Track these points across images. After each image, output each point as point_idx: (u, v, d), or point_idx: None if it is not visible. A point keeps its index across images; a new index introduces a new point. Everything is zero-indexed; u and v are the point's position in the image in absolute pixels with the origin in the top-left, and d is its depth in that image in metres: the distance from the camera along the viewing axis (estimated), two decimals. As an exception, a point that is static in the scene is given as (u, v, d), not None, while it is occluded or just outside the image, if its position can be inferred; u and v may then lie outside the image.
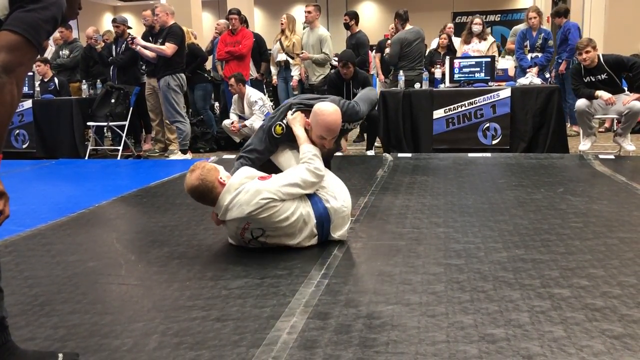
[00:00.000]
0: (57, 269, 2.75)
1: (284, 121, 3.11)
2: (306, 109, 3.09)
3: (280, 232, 2.83)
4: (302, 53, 7.03)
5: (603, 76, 5.71)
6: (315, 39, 7.04)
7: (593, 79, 5.75)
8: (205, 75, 7.65)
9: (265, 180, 2.82)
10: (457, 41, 8.66)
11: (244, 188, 2.76)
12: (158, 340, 1.96)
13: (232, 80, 6.68)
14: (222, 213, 2.80)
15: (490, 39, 7.48)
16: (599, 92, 5.61)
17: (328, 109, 2.98)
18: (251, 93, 6.82)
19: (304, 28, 8.16)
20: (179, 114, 6.57)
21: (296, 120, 3.07)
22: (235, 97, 6.96)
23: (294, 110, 3.11)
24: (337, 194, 2.97)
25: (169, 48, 6.40)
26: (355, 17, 7.49)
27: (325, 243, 2.96)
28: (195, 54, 7.32)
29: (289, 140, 3.15)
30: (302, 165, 2.88)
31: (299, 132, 3.04)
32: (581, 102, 5.74)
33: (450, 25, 8.85)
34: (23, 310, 2.26)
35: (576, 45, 5.89)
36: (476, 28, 7.36)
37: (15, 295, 2.40)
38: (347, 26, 7.53)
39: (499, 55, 7.89)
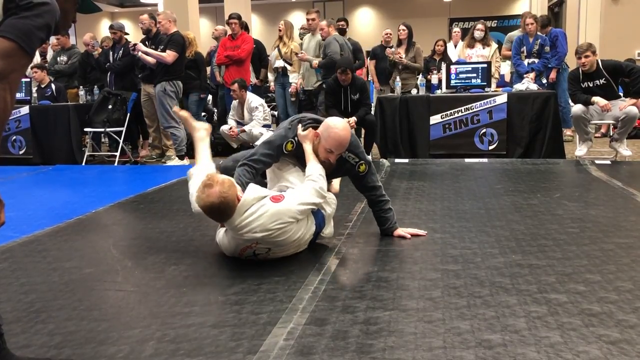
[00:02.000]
0: (54, 276, 2.74)
1: (295, 138, 3.06)
2: (315, 125, 3.07)
3: (285, 249, 2.81)
4: (302, 53, 7.01)
5: (601, 81, 5.73)
6: (316, 43, 7.08)
7: (590, 85, 5.76)
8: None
9: (279, 201, 2.73)
10: (452, 47, 8.67)
11: (257, 210, 2.66)
12: (154, 347, 1.96)
13: (235, 86, 6.70)
14: (231, 230, 2.73)
15: (494, 45, 7.49)
16: (595, 98, 5.63)
17: (340, 124, 2.97)
18: (252, 99, 6.83)
19: (300, 36, 8.18)
20: (173, 119, 6.57)
21: (307, 138, 3.03)
22: (234, 102, 6.97)
23: (304, 126, 3.06)
24: (331, 201, 3.08)
25: (169, 56, 6.43)
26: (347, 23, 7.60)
27: (321, 249, 2.97)
28: (197, 64, 7.30)
29: (295, 156, 3.14)
30: (310, 184, 2.85)
31: (309, 148, 3.02)
32: (577, 108, 5.76)
33: (458, 30, 8.84)
34: (19, 317, 2.25)
35: (575, 50, 5.90)
36: (477, 34, 7.37)
37: (11, 302, 2.39)
38: (343, 31, 7.58)
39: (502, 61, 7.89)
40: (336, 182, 3.67)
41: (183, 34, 6.92)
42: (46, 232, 3.58)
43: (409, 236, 3.22)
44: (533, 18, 7.42)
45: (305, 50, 7.17)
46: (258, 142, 3.40)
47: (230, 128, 6.82)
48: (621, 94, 6.01)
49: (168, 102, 6.51)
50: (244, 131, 6.79)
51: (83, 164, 6.97)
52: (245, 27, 7.64)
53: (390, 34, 8.36)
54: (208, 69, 8.34)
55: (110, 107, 7.00)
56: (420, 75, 7.14)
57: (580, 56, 5.69)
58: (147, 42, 6.89)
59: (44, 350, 1.97)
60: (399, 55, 7.24)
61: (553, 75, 7.32)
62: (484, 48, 7.35)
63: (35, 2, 1.51)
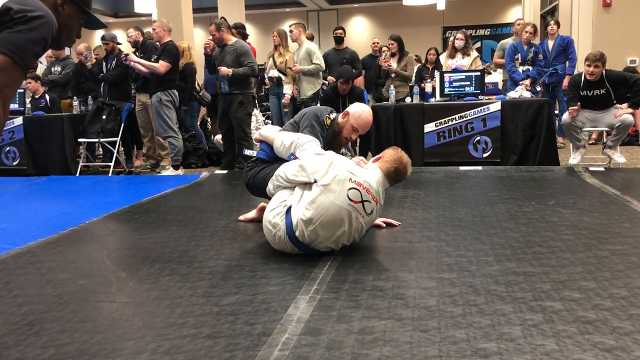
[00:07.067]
0: (47, 288, 2.72)
1: (331, 115, 3.60)
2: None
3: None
4: (295, 66, 7.09)
5: (601, 91, 5.69)
6: (304, 53, 7.18)
7: (589, 93, 5.74)
8: (194, 93, 7.65)
9: None
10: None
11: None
12: (148, 359, 1.94)
13: None
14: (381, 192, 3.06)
15: (474, 53, 7.49)
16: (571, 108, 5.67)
17: (368, 109, 3.64)
18: (246, 109, 6.83)
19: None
20: (172, 129, 6.56)
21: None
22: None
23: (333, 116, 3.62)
24: None
25: (162, 66, 6.43)
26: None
27: (316, 259, 2.95)
28: (185, 76, 7.29)
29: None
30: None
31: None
32: (566, 115, 5.78)
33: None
34: (11, 329, 2.23)
35: (586, 56, 5.82)
36: (457, 43, 7.39)
37: (3, 315, 2.37)
38: (341, 40, 7.62)
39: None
40: None
41: (176, 44, 6.90)
42: (39, 244, 3.56)
43: (384, 225, 3.57)
44: (533, 27, 7.47)
45: (297, 61, 7.23)
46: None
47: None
48: (615, 102, 6.02)
49: (165, 112, 6.49)
50: None
51: (77, 174, 6.95)
52: (244, 37, 7.62)
53: (378, 43, 8.39)
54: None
55: (104, 117, 6.99)
56: (415, 84, 7.17)
57: (591, 64, 5.63)
58: (136, 53, 6.90)
59: (36, 363, 1.95)
60: (388, 63, 7.28)
61: (566, 82, 6.98)
62: (463, 57, 7.36)
63: (30, 15, 1.49)
